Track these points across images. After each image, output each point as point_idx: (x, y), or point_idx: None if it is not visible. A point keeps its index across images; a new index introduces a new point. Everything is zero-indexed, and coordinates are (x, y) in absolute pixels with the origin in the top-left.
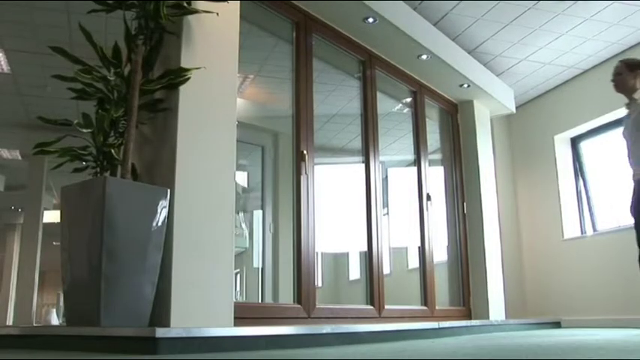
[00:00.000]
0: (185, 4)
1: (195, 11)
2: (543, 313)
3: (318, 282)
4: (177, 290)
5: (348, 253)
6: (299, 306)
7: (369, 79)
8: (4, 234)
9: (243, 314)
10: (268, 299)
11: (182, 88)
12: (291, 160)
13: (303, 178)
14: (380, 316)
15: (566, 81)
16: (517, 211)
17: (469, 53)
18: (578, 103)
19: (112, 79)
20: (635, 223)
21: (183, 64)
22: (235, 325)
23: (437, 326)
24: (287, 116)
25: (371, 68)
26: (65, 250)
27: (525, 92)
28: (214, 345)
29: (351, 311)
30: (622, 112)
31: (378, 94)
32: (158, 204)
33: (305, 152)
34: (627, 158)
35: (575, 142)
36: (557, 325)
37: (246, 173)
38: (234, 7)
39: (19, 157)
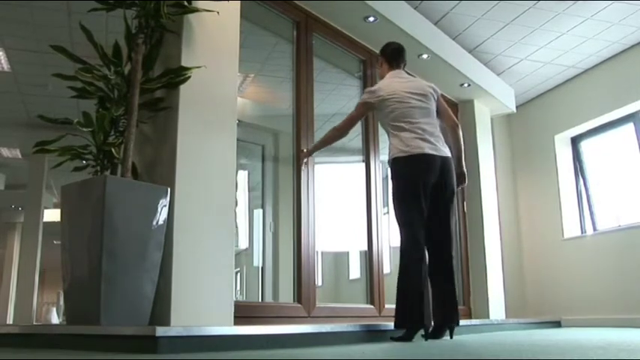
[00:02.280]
0: (185, 3)
1: (196, 10)
2: (543, 313)
3: (318, 281)
4: (177, 289)
5: (348, 253)
6: (299, 305)
7: (369, 79)
8: (4, 233)
9: (243, 313)
10: (268, 298)
11: (182, 87)
12: (292, 159)
13: (303, 176)
14: (380, 315)
15: (567, 80)
16: (517, 210)
17: (469, 52)
18: (579, 102)
19: (112, 77)
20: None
21: (184, 63)
22: (235, 324)
23: None
24: (287, 115)
25: (371, 67)
26: (65, 248)
27: (526, 92)
28: (214, 344)
29: (352, 310)
30: (622, 111)
31: None
32: (158, 203)
33: (305, 151)
34: None
35: (575, 141)
36: (557, 324)
37: (246, 172)
38: (235, 6)
39: (20, 156)
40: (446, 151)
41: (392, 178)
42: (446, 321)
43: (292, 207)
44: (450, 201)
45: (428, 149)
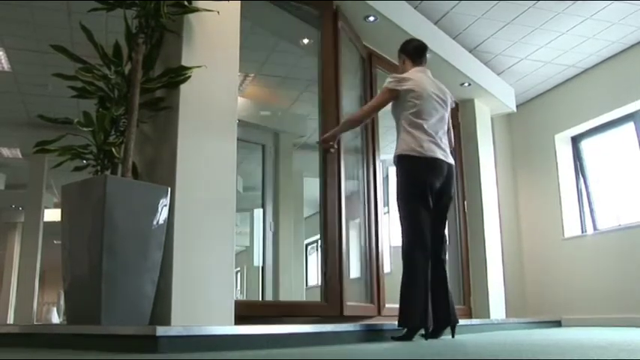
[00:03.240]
0: (186, 3)
1: (196, 10)
2: (543, 312)
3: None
4: (177, 288)
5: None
6: (325, 304)
7: (369, 78)
8: (4, 233)
9: (270, 313)
10: (268, 298)
11: (183, 87)
12: (292, 158)
13: (334, 168)
14: (380, 314)
15: (567, 80)
16: (517, 209)
17: (470, 52)
18: (579, 102)
19: (112, 77)
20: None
21: (184, 62)
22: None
23: None
24: (287, 115)
25: (371, 66)
26: (66, 248)
27: (526, 91)
28: (215, 343)
29: (355, 309)
30: (622, 111)
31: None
32: (159, 202)
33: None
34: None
35: (575, 140)
36: (557, 324)
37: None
38: (235, 6)
39: (20, 156)
40: (452, 159)
41: (400, 175)
42: (446, 321)
43: (293, 207)
44: (448, 207)
45: (439, 154)
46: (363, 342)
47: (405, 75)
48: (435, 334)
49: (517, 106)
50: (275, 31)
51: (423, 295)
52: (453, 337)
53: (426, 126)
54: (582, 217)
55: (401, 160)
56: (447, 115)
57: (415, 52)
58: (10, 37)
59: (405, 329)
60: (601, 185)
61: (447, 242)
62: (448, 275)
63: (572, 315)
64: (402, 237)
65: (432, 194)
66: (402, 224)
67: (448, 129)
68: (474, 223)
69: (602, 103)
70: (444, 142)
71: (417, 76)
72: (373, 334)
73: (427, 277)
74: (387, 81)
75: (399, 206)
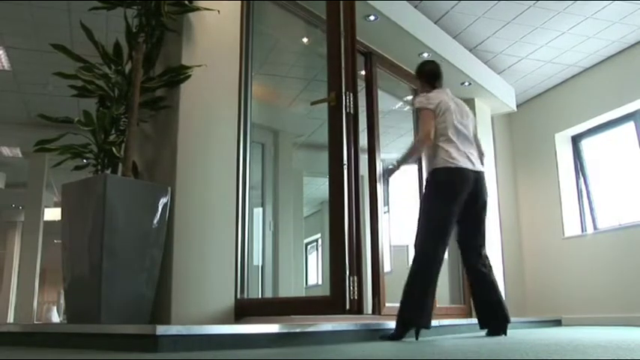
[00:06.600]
0: (186, 2)
1: (197, 9)
2: (544, 312)
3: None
4: (177, 287)
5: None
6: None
7: (369, 77)
8: (4, 232)
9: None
10: (268, 297)
11: (183, 86)
12: (291, 157)
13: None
14: (380, 314)
15: (567, 79)
16: (518, 209)
17: (470, 51)
18: (579, 101)
19: (112, 76)
20: None
21: (184, 61)
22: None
23: (437, 324)
24: (287, 113)
25: (372, 66)
26: (66, 247)
27: (526, 90)
28: (215, 343)
29: None
30: (622, 110)
31: (379, 92)
32: (159, 201)
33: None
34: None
35: (575, 140)
36: (557, 323)
37: None
38: (236, 6)
39: (20, 155)
40: (480, 166)
41: (434, 188)
42: (507, 319)
43: (291, 206)
44: (482, 215)
45: (468, 164)
46: (362, 341)
47: (429, 94)
48: (498, 331)
49: (517, 106)
50: (275, 29)
51: (432, 295)
52: (505, 334)
53: (454, 138)
54: (582, 217)
55: (437, 173)
56: (471, 125)
57: (431, 76)
58: (11, 36)
59: (397, 329)
60: (601, 185)
61: (484, 254)
62: (449, 275)
63: (573, 314)
64: (423, 237)
65: (462, 203)
66: (424, 225)
67: (475, 138)
68: None
69: (602, 102)
70: (471, 152)
71: (439, 94)
72: (374, 333)
73: (437, 278)
74: (418, 101)
75: (426, 211)
